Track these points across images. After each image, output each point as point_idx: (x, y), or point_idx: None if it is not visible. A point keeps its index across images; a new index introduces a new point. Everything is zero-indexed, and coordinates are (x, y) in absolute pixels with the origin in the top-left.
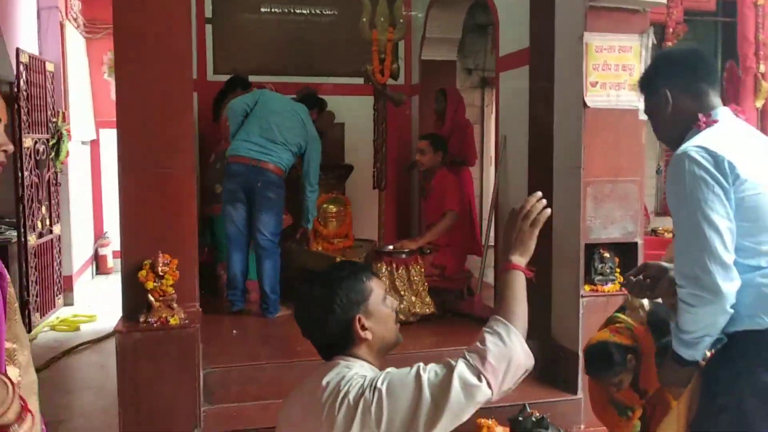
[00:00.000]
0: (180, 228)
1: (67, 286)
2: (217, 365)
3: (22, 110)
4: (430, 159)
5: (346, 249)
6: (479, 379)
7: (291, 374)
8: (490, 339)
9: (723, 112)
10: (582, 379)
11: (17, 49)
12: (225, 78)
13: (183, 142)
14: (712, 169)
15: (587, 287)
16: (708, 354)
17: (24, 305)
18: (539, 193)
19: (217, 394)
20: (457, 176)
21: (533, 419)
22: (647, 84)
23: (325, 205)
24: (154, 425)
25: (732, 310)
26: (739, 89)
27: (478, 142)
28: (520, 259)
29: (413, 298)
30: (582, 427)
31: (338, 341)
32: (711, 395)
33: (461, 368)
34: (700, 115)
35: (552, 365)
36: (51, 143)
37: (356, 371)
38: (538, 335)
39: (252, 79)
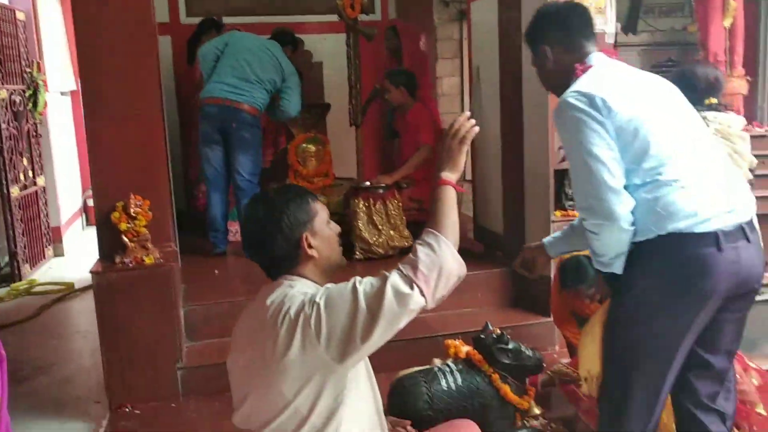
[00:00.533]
0: (151, 170)
1: (56, 237)
2: (199, 303)
3: None
4: (396, 96)
5: (326, 187)
6: (411, 288)
7: None
8: (421, 250)
9: (596, 57)
10: None
11: None
12: (198, 21)
13: (148, 85)
14: (587, 108)
15: (558, 213)
16: None
17: (12, 256)
18: (468, 113)
19: (199, 330)
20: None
21: (494, 336)
22: (529, 41)
23: (304, 145)
24: (136, 362)
25: (632, 227)
26: (708, 8)
27: (458, 75)
28: (450, 175)
29: (391, 232)
30: (556, 348)
31: (284, 260)
32: (612, 298)
33: (394, 278)
34: (576, 65)
35: (525, 290)
36: (27, 94)
37: (298, 289)
38: (512, 260)
39: (226, 20)
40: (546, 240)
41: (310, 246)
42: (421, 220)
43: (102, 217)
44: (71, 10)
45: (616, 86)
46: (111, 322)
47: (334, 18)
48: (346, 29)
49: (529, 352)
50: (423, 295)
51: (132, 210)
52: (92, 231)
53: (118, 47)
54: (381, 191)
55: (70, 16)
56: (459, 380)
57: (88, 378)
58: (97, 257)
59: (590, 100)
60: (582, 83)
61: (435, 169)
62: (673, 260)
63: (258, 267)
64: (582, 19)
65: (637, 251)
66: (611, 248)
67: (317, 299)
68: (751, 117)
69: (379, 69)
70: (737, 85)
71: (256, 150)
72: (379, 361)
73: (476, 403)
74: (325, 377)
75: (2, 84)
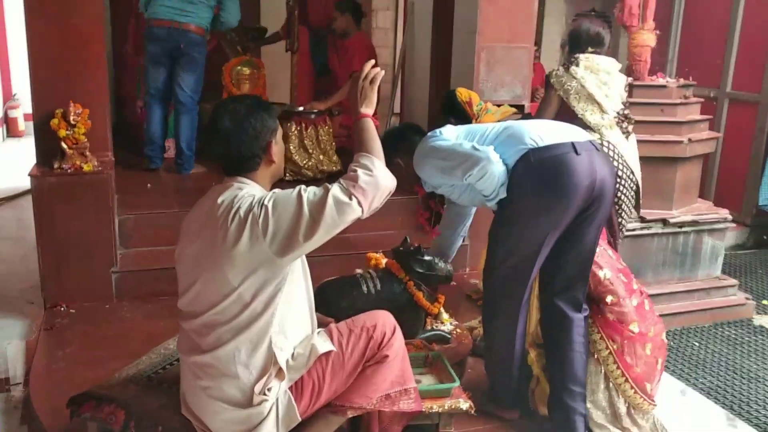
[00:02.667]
0: (91, 78)
1: None
2: (132, 213)
3: None
4: (341, 22)
5: None
6: (350, 198)
7: None
8: (359, 170)
9: None
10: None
11: None
12: None
13: None
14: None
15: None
16: None
17: None
18: (372, 61)
19: (132, 238)
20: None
21: (411, 248)
22: None
23: (238, 67)
24: (72, 264)
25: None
26: None
27: (393, 9)
28: (367, 110)
29: (321, 157)
30: (467, 269)
31: (247, 162)
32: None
33: (335, 189)
34: None
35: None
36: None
37: (247, 191)
38: None
39: None
40: None
41: (272, 153)
42: (351, 147)
43: (40, 123)
44: None
45: None
46: (48, 224)
47: None
48: None
49: (441, 264)
50: (360, 205)
51: (71, 118)
52: (13, 143)
53: None
54: (313, 116)
55: None
56: (378, 286)
57: (20, 281)
58: (35, 162)
59: None
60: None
61: (352, 108)
62: (540, 167)
63: (189, 183)
64: None
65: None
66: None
67: (266, 202)
68: (657, 69)
69: None
70: (646, 37)
71: (201, 68)
72: (311, 272)
73: (392, 307)
74: (268, 270)
75: None
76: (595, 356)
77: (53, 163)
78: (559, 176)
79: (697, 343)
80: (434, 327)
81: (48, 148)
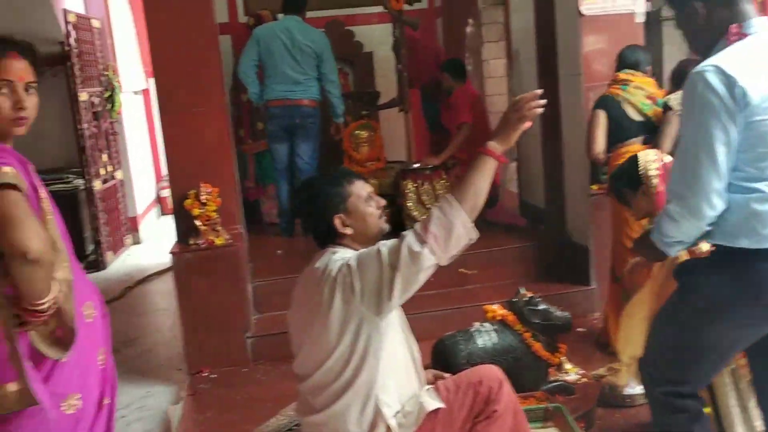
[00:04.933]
0: (218, 160)
1: (133, 226)
2: (264, 279)
3: (74, 67)
4: (445, 80)
5: (378, 171)
6: (422, 246)
7: None
8: (434, 213)
9: (758, 24)
10: (594, 272)
11: (64, 10)
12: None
13: (213, 84)
14: (723, 94)
15: (595, 186)
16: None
17: (97, 245)
18: (539, 91)
19: (265, 303)
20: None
21: (525, 299)
22: None
23: (356, 132)
24: (212, 332)
25: (709, 227)
26: None
27: (504, 57)
28: (496, 146)
29: None
30: (596, 314)
31: (324, 235)
32: (679, 293)
33: (409, 238)
34: (733, 26)
35: (566, 259)
36: (105, 95)
37: (339, 255)
38: (553, 232)
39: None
40: None
41: (344, 225)
42: None
43: (177, 204)
44: (144, 17)
45: (765, 73)
46: (188, 296)
47: (381, 9)
48: (392, 20)
49: (558, 313)
50: (433, 253)
51: (203, 197)
52: (166, 220)
53: (184, 48)
54: (428, 172)
55: (140, 21)
56: (494, 339)
57: (168, 349)
58: (175, 240)
59: (730, 86)
60: (729, 57)
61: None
62: (753, 272)
63: (315, 246)
64: None
65: (717, 254)
66: (680, 236)
67: (350, 261)
68: None
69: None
70: None
71: (316, 137)
72: (426, 328)
73: (510, 359)
74: (364, 326)
75: (83, 87)
76: None
77: (189, 240)
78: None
79: None
80: (557, 378)
81: (185, 225)
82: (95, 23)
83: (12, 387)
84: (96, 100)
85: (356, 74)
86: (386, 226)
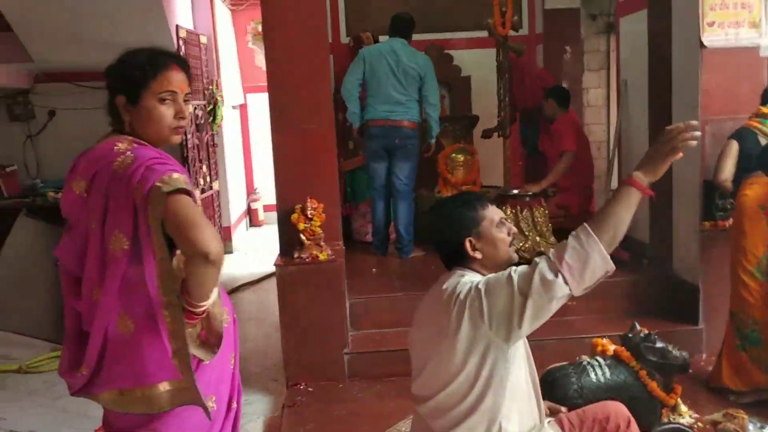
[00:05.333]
0: (325, 176)
1: (226, 236)
2: (360, 297)
3: None
4: (546, 107)
5: None
6: (556, 275)
7: None
8: (571, 242)
9: None
10: (703, 311)
11: (176, 26)
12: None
13: (322, 102)
14: None
15: (707, 223)
16: None
17: None
18: (695, 123)
19: (361, 321)
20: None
21: (641, 335)
22: None
23: (453, 155)
24: (311, 346)
25: None
26: None
27: (605, 87)
28: (641, 177)
29: (537, 238)
30: (704, 356)
31: (454, 257)
32: None
33: (542, 265)
34: None
35: (674, 297)
36: (208, 109)
37: (468, 278)
38: (658, 268)
39: (382, 39)
40: None
41: (474, 249)
42: (568, 228)
43: (283, 218)
44: (263, 36)
45: None
46: (290, 309)
47: (480, 34)
48: (496, 46)
49: (676, 352)
50: (567, 283)
51: (309, 212)
52: (254, 231)
53: (298, 66)
54: (528, 199)
55: (241, 37)
56: (607, 374)
57: (263, 359)
58: (278, 253)
59: None
60: None
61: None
62: None
63: (408, 267)
64: None
65: None
66: None
67: (480, 285)
68: None
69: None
70: None
71: (415, 158)
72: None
73: (624, 397)
74: (491, 352)
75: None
76: None
77: (293, 253)
78: None
79: None
80: (671, 420)
81: (289, 239)
82: (203, 39)
83: (165, 386)
84: (199, 113)
85: (453, 98)
86: (515, 256)
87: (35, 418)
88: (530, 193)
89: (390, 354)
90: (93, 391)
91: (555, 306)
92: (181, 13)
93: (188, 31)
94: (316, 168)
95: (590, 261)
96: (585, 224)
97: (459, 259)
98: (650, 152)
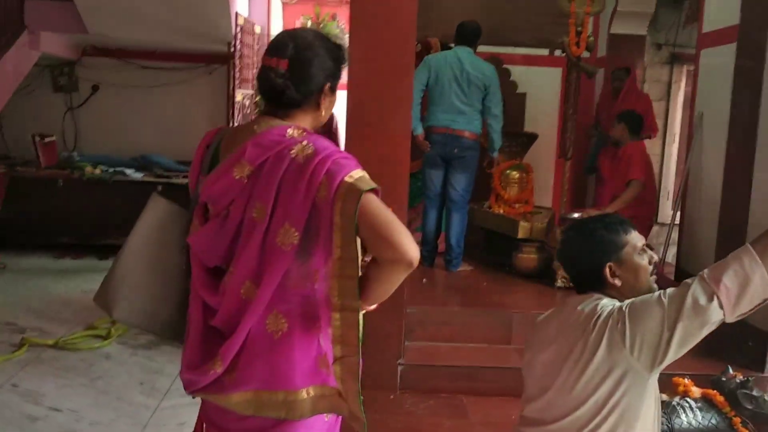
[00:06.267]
0: (396, 177)
1: None
2: (414, 307)
3: (235, 68)
4: (616, 130)
5: (526, 214)
6: (710, 299)
7: (479, 322)
8: (730, 263)
9: None
10: None
11: (236, 13)
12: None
13: (402, 102)
14: None
15: None
16: None
17: None
18: None
19: (415, 332)
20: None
21: (737, 380)
22: None
23: (508, 171)
24: (367, 353)
25: None
26: None
27: (663, 118)
28: None
29: None
30: None
31: (590, 281)
32: None
33: (695, 286)
34: None
35: (740, 343)
36: (256, 99)
37: (608, 301)
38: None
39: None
40: None
41: (613, 275)
42: None
43: None
44: (348, 33)
45: None
46: None
47: (540, 52)
48: (567, 65)
49: None
50: (722, 307)
51: None
52: None
53: (381, 65)
54: None
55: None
56: (699, 417)
57: None
58: None
59: None
60: None
61: None
62: None
63: (459, 281)
64: None
65: None
66: None
67: (624, 307)
68: None
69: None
70: None
71: (473, 170)
72: None
73: None
74: (624, 376)
75: (239, 88)
76: None
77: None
78: None
79: None
80: None
81: None
82: (257, 28)
83: (309, 392)
84: (247, 102)
85: (506, 113)
86: (656, 285)
87: (76, 398)
88: None
89: (444, 369)
90: (224, 390)
91: (705, 332)
92: (240, 1)
93: (246, 19)
94: (389, 168)
95: (750, 285)
96: (748, 245)
97: (595, 283)
98: None
